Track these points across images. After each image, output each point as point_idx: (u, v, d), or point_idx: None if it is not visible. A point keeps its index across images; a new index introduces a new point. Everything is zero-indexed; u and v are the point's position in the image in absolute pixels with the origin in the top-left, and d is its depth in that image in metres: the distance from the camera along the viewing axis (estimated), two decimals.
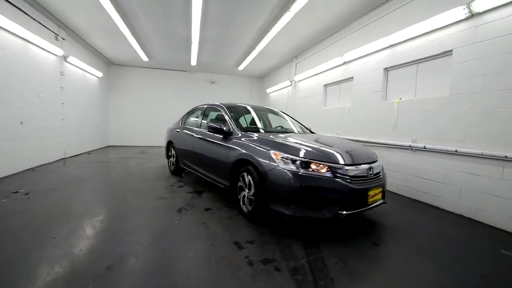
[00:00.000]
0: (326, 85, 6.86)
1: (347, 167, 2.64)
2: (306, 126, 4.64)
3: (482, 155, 3.17)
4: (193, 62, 9.22)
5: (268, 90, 11.07)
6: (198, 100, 11.31)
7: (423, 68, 4.14)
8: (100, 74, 8.90)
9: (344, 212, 2.54)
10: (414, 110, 4.19)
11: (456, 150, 3.48)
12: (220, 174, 3.58)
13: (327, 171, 2.57)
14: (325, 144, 3.04)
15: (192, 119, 5.05)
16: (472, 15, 3.29)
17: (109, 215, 3.07)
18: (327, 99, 6.88)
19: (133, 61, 9.69)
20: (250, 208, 2.97)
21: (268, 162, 2.74)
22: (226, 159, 3.40)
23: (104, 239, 2.44)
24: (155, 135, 10.99)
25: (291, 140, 3.13)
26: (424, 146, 3.94)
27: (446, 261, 2.30)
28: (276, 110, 4.88)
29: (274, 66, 9.80)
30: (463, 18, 3.39)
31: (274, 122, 4.68)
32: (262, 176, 2.75)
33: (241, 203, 3.16)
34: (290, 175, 2.54)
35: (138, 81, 10.74)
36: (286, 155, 2.66)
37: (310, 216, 2.53)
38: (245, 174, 3.05)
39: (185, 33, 6.60)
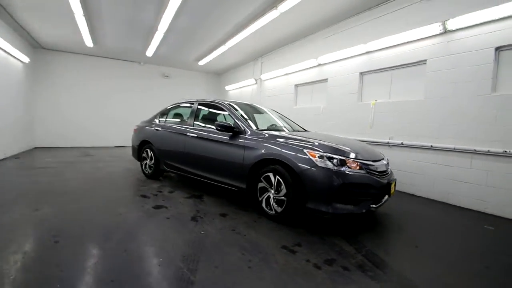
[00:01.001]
0: (297, 85, 7.12)
1: (375, 163, 2.81)
2: (297, 124, 4.72)
3: (455, 149, 3.83)
4: (150, 53, 8.27)
5: (227, 88, 10.82)
6: (148, 95, 10.28)
7: (398, 74, 4.73)
8: (26, 59, 7.10)
9: (375, 206, 2.71)
10: (390, 111, 4.75)
11: (431, 146, 4.10)
12: (232, 175, 3.33)
13: (361, 168, 2.68)
14: (340, 143, 3.15)
15: (178, 116, 4.54)
16: (445, 32, 3.92)
17: (115, 240, 2.50)
18: (298, 99, 7.16)
19: (70, 46, 8.09)
20: (279, 210, 2.85)
21: (303, 161, 2.68)
22: (242, 159, 3.19)
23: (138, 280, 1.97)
24: (98, 134, 9.49)
25: (312, 138, 3.14)
26: (402, 142, 4.50)
27: (448, 235, 2.70)
28: (263, 108, 4.75)
29: (236, 63, 9.63)
30: (438, 33, 4.01)
31: (266, 119, 4.60)
32: (298, 176, 2.68)
33: (264, 205, 3.02)
34: (331, 173, 2.55)
35: (75, 70, 9.01)
36: (323, 154, 2.66)
37: (349, 212, 2.60)
38: (270, 174, 2.92)
39: (151, 20, 5.86)
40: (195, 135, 3.86)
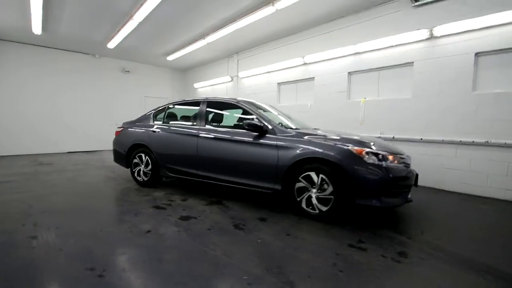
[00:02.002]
0: (280, 83, 7.17)
1: (405, 156, 3.01)
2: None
3: (442, 141, 4.38)
4: (112, 44, 7.27)
5: (196, 85, 10.26)
6: (105, 92, 9.05)
7: (386, 74, 5.15)
8: None
9: (410, 196, 2.91)
10: (380, 108, 5.16)
11: (421, 139, 4.60)
12: (264, 177, 3.16)
13: (399, 162, 2.84)
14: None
15: (181, 116, 4.10)
16: (432, 37, 4.43)
17: (183, 268, 2.11)
18: (281, 97, 7.22)
19: (11, 33, 6.55)
20: (324, 209, 2.82)
21: (351, 158, 2.70)
22: (276, 160, 3.05)
23: None
24: (47, 139, 8.02)
25: (344, 134, 3.20)
26: (393, 137, 4.95)
27: (458, 215, 3.10)
28: (263, 104, 4.61)
29: (208, 59, 9.19)
30: (424, 38, 4.50)
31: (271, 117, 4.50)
32: (347, 173, 2.69)
33: (304, 205, 2.95)
34: (380, 168, 2.64)
35: (14, 63, 7.35)
36: (369, 150, 2.73)
37: (394, 205, 2.74)
38: (311, 173, 2.87)
39: (127, 6, 5.15)
40: (211, 136, 3.54)
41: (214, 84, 9.49)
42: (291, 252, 2.19)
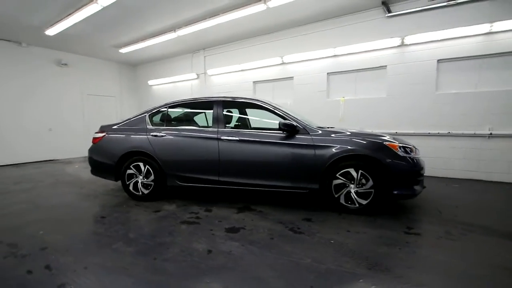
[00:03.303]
0: (255, 82, 7.14)
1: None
2: None
3: (414, 133, 5.16)
4: (54, 31, 5.89)
5: (151, 82, 9.27)
6: (34, 89, 7.22)
7: (363, 75, 5.73)
8: None
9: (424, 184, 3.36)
10: (358, 106, 5.72)
11: (396, 132, 5.31)
12: (301, 177, 3.14)
13: (417, 153, 3.24)
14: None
15: (190, 118, 3.69)
16: (402, 45, 5.13)
17: None
18: (257, 96, 7.20)
19: None
20: (364, 202, 3.00)
21: (388, 153, 2.94)
22: (314, 159, 3.07)
23: None
24: None
25: (363, 131, 3.45)
26: (372, 131, 5.55)
27: (446, 195, 3.78)
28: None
29: (168, 54, 8.41)
30: (396, 45, 5.18)
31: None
32: (386, 167, 2.91)
33: (343, 201, 3.07)
34: (411, 160, 2.96)
35: None
36: (400, 144, 3.02)
37: (418, 193, 3.10)
38: (350, 170, 3.00)
39: None
40: (236, 139, 3.30)
41: (176, 82, 8.75)
42: (371, 247, 2.27)
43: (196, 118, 3.92)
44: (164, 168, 3.50)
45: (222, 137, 3.34)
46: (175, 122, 3.77)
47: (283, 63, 6.53)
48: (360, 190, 3.01)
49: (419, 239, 2.42)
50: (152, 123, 3.72)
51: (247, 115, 4.23)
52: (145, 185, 3.60)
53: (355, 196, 3.03)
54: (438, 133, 4.95)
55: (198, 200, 3.65)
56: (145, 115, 3.79)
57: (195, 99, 3.82)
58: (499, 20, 4.24)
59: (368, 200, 2.99)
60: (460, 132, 4.76)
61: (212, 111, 3.58)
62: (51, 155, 7.69)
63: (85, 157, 4.70)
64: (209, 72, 7.78)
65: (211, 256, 2.13)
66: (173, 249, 2.27)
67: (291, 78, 6.52)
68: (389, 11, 5.14)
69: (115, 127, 3.86)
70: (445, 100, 4.89)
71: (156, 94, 9.41)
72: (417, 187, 3.01)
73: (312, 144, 3.12)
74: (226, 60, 7.44)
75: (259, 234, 2.54)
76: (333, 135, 3.15)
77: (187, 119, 3.90)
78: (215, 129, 3.43)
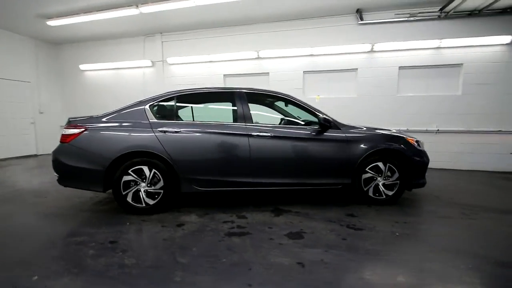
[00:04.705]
0: (226, 75, 6.70)
1: None
2: None
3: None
4: None
5: (84, 67, 7.48)
6: None
7: (336, 76, 6.13)
8: None
9: None
10: (332, 104, 6.11)
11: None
12: (336, 173, 3.12)
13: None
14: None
15: (203, 111, 3.09)
16: (372, 51, 5.75)
17: None
18: None
19: None
20: (390, 193, 3.20)
21: (409, 147, 3.23)
22: (348, 154, 3.10)
23: None
24: None
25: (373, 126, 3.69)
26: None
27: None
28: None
29: (111, 34, 6.95)
30: (366, 51, 5.76)
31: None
32: (409, 159, 3.18)
33: (371, 193, 3.21)
34: (425, 153, 3.33)
35: None
36: (416, 139, 3.35)
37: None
38: (379, 163, 3.16)
39: None
40: (268, 135, 2.98)
41: (121, 68, 7.32)
42: (436, 231, 2.44)
43: (211, 112, 3.36)
44: (179, 171, 2.86)
45: (252, 133, 2.97)
46: (186, 116, 3.13)
47: (258, 58, 6.34)
48: (387, 182, 3.21)
49: (453, 218, 2.77)
50: (156, 117, 2.98)
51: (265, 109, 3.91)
52: (150, 194, 2.85)
53: (383, 188, 3.21)
54: (399, 129, 5.76)
55: (215, 206, 3.15)
56: (144, 107, 2.99)
57: (210, 88, 3.30)
58: (446, 38, 5.26)
59: (394, 191, 3.22)
60: (415, 128, 5.69)
61: (232, 103, 3.15)
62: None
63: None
64: (169, 60, 6.83)
65: (309, 270, 1.85)
66: (256, 268, 1.86)
67: (267, 74, 6.41)
68: (362, 19, 5.67)
69: (101, 120, 2.91)
70: (403, 101, 5.75)
71: (91, 82, 7.66)
72: (425, 177, 3.43)
73: (345, 139, 3.13)
74: (192, 49, 6.69)
75: (327, 236, 2.38)
76: (360, 130, 3.26)
77: (201, 113, 3.30)
78: (243, 124, 3.01)
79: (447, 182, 4.56)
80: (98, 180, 2.79)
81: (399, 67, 5.70)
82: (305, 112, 3.33)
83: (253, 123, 3.07)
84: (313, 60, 6.11)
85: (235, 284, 1.68)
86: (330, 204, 3.28)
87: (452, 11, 5.03)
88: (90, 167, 2.78)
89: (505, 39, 5.00)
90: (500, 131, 5.27)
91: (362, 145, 3.13)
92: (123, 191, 2.80)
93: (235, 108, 3.13)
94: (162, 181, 2.84)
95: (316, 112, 3.25)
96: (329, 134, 3.13)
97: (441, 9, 5.13)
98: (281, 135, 3.04)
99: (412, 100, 5.70)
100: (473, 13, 5.09)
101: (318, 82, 6.25)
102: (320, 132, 3.13)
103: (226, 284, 1.69)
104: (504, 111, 5.25)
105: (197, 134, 2.93)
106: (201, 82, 6.75)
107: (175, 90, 3.20)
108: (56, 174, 2.89)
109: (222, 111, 3.49)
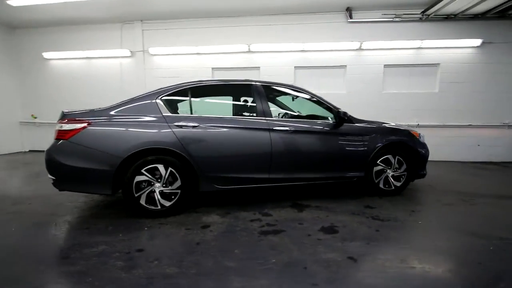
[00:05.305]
0: (214, 69, 6.43)
1: None
2: None
3: None
4: None
5: (49, 55, 6.60)
6: None
7: (326, 72, 6.25)
8: None
9: None
10: None
11: None
12: (353, 166, 3.19)
13: None
14: None
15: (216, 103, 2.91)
16: (360, 49, 5.96)
17: None
18: None
19: None
20: (398, 184, 3.36)
21: (415, 140, 3.42)
22: (364, 147, 3.17)
23: None
24: None
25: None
26: None
27: None
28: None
29: (82, 20, 6.21)
30: (355, 48, 5.96)
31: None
32: (415, 152, 3.36)
33: (382, 185, 3.33)
34: (425, 145, 3.55)
35: None
36: (419, 132, 3.55)
37: None
38: (389, 156, 3.29)
39: None
40: (289, 129, 2.91)
41: (94, 58, 6.60)
42: (459, 222, 2.61)
43: (225, 105, 3.17)
44: (198, 170, 2.65)
45: (274, 128, 2.87)
46: (200, 110, 2.89)
47: (249, 51, 6.19)
48: (396, 174, 3.35)
49: (457, 205, 3.02)
50: (170, 111, 2.71)
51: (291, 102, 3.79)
52: (166, 195, 2.60)
53: (392, 180, 3.36)
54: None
55: (232, 204, 3.00)
56: (155, 100, 2.70)
57: (225, 80, 3.13)
58: (427, 39, 5.67)
59: (402, 182, 3.38)
60: (401, 123, 6.03)
61: (249, 96, 3.03)
62: None
63: None
64: (152, 51, 6.33)
65: (365, 264, 1.84)
66: (312, 267, 1.79)
67: (257, 68, 6.29)
68: (351, 17, 5.84)
69: (108, 113, 2.56)
70: (388, 98, 6.09)
71: (57, 72, 6.79)
72: None
73: (361, 133, 3.21)
74: (178, 39, 6.28)
75: (360, 229, 2.40)
76: (372, 124, 3.38)
77: (216, 106, 3.09)
78: (263, 118, 2.90)
79: (433, 173, 4.90)
80: (106, 182, 2.46)
81: (384, 65, 6.01)
82: (318, 106, 3.33)
83: (272, 117, 2.98)
84: (304, 56, 6.15)
85: (300, 286, 1.60)
86: (343, 197, 3.34)
87: (433, 14, 5.43)
88: (96, 167, 2.44)
89: (476, 42, 5.55)
90: (470, 125, 5.88)
91: (375, 139, 3.23)
92: (136, 193, 2.51)
93: (254, 101, 3.00)
94: (179, 180, 2.61)
95: (331, 107, 3.28)
96: (345, 127, 3.17)
97: (423, 12, 5.51)
98: (301, 129, 3.00)
99: (396, 96, 6.06)
100: (449, 17, 5.55)
101: (309, 78, 6.32)
102: (336, 126, 3.16)
103: (291, 286, 1.60)
104: (473, 107, 5.85)
105: (217, 129, 2.74)
106: (187, 75, 6.33)
107: (187, 81, 2.96)
108: (51, 177, 2.48)
109: (238, 105, 3.34)
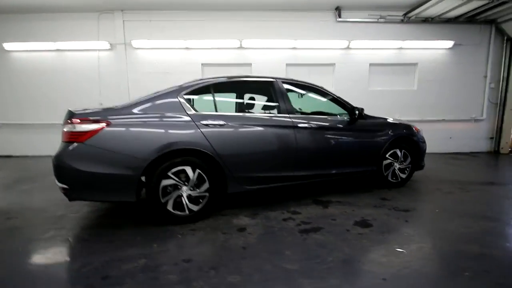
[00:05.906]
0: (204, 65, 6.18)
1: None
2: None
3: None
4: None
5: (9, 46, 5.77)
6: None
7: (315, 69, 6.38)
8: None
9: None
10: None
11: None
12: (368, 161, 3.33)
13: None
14: None
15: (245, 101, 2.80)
16: (348, 48, 6.19)
17: None
18: None
19: None
20: (404, 176, 3.58)
21: (416, 134, 3.66)
22: (376, 142, 3.33)
23: None
24: None
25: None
26: None
27: None
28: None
29: (48, 7, 5.53)
30: (343, 47, 6.18)
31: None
32: (418, 145, 3.60)
33: (390, 177, 3.52)
34: (424, 139, 3.83)
35: None
36: (418, 127, 3.81)
37: None
38: (396, 150, 3.48)
39: None
40: (313, 126, 2.93)
41: (66, 50, 5.90)
42: (467, 207, 2.85)
43: (248, 102, 3.05)
44: (227, 170, 2.53)
45: (298, 125, 2.85)
46: (224, 107, 2.76)
47: (241, 47, 6.06)
48: (402, 166, 3.57)
49: (456, 193, 3.32)
50: (194, 109, 2.54)
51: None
52: (193, 199, 2.44)
53: (399, 172, 3.56)
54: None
55: (256, 205, 2.93)
56: (177, 98, 2.50)
57: (246, 77, 3.05)
58: (407, 40, 6.09)
59: (407, 174, 3.61)
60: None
61: (272, 93, 2.99)
62: None
63: None
64: (135, 43, 5.87)
65: (416, 254, 1.93)
66: (370, 262, 1.83)
67: (249, 64, 6.19)
68: (340, 16, 6.02)
69: (131, 111, 2.32)
70: (374, 95, 6.43)
71: (20, 66, 5.94)
72: None
73: (373, 128, 3.35)
74: (164, 33, 5.90)
75: (390, 221, 2.51)
76: (380, 120, 3.57)
77: (240, 103, 2.97)
78: (288, 115, 2.86)
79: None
80: (130, 187, 2.23)
81: (370, 63, 6.33)
82: (333, 103, 3.42)
83: (295, 114, 2.96)
84: (296, 53, 6.21)
85: (370, 282, 1.62)
86: (356, 191, 3.44)
87: (414, 16, 5.84)
88: (118, 172, 2.20)
89: (449, 43, 6.11)
90: (443, 120, 6.48)
91: (386, 134, 3.40)
92: (162, 199, 2.32)
93: (276, 98, 2.95)
94: (207, 182, 2.46)
95: (345, 104, 3.37)
96: (360, 123, 3.29)
97: (405, 14, 5.89)
98: (323, 126, 3.04)
99: (382, 93, 6.42)
100: (427, 20, 6.02)
101: (300, 75, 6.36)
102: (351, 122, 3.26)
103: (362, 282, 1.61)
104: (446, 103, 6.45)
105: (244, 127, 2.64)
106: (174, 71, 6.06)
107: (208, 77, 2.84)
108: (62, 185, 2.17)
109: (261, 101, 3.26)
